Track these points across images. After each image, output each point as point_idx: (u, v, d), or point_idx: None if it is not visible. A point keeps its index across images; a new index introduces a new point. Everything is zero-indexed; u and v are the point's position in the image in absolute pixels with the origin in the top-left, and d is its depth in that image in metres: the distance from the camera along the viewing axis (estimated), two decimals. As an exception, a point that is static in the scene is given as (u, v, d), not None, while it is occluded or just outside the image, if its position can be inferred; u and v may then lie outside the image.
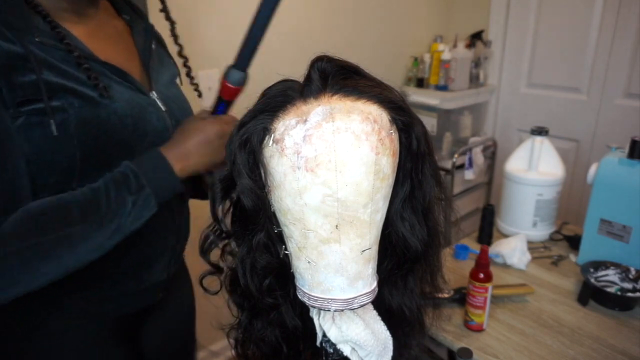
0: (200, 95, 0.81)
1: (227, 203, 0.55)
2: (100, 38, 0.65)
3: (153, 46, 0.74)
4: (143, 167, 0.61)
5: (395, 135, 0.48)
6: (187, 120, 0.70)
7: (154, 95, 0.70)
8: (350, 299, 0.49)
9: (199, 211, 0.59)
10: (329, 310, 0.51)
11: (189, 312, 0.96)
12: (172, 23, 0.75)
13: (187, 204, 0.83)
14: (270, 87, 0.50)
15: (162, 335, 0.87)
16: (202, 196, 0.85)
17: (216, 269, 0.60)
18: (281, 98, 0.47)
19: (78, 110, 0.57)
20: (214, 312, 0.65)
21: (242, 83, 0.68)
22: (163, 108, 0.70)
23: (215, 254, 0.59)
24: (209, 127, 0.66)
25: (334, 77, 0.47)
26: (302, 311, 0.60)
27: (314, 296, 0.50)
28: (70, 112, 0.56)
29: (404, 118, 0.48)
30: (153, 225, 0.71)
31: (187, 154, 0.64)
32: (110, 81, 0.62)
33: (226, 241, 0.58)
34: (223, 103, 0.71)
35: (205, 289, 0.61)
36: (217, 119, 0.68)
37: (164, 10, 0.74)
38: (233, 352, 0.67)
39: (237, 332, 0.64)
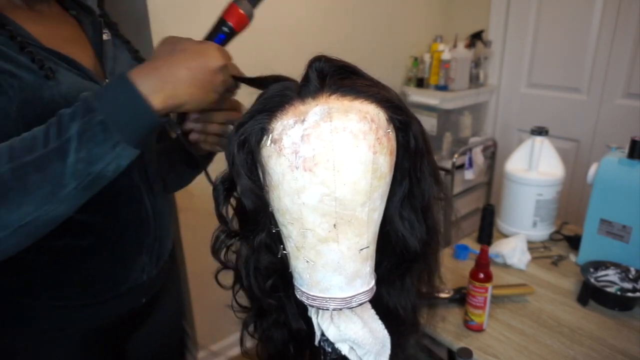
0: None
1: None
2: (53, 33, 0.63)
3: (105, 37, 0.70)
4: (101, 92, 0.49)
5: (392, 134, 0.48)
6: (171, 39, 0.56)
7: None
8: (349, 297, 0.49)
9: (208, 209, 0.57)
10: (328, 309, 0.51)
11: (177, 318, 0.92)
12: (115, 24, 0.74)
13: (164, 201, 0.79)
14: (267, 88, 0.50)
15: (149, 346, 0.84)
16: (194, 164, 0.79)
17: (229, 268, 0.60)
18: (279, 98, 0.47)
19: (18, 92, 0.53)
20: (214, 313, 0.65)
21: (251, 16, 0.60)
22: None
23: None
24: (212, 52, 0.53)
25: (332, 77, 0.47)
26: (306, 311, 0.60)
27: (312, 295, 0.50)
28: (10, 94, 0.53)
29: (401, 117, 0.49)
30: (121, 222, 0.69)
31: (173, 80, 0.51)
32: (57, 67, 0.58)
33: (233, 240, 0.58)
34: (225, 32, 0.59)
35: (221, 285, 0.61)
36: (219, 47, 0.56)
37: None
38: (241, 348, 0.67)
39: (243, 330, 0.65)
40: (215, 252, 0.57)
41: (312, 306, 0.51)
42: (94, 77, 0.63)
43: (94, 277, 0.68)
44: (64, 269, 0.66)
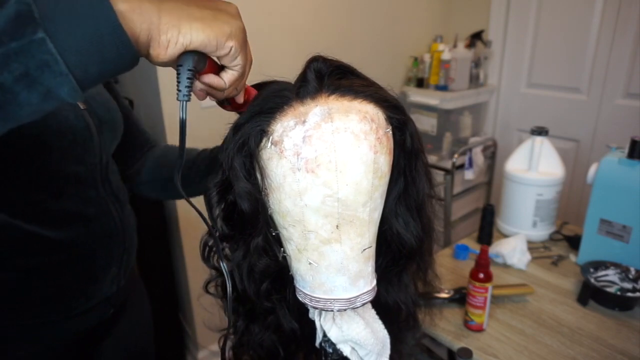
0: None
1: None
2: None
3: None
4: None
5: (390, 134, 0.48)
6: None
7: None
8: (353, 298, 0.50)
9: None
10: (332, 311, 0.51)
11: (146, 330, 0.91)
12: None
13: (131, 211, 0.78)
14: (263, 88, 0.50)
15: (119, 354, 0.82)
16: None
17: (220, 274, 0.59)
18: (277, 99, 0.46)
19: None
20: (214, 313, 0.65)
21: None
22: (81, 106, 0.65)
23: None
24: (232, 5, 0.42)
25: (329, 77, 0.47)
26: (299, 313, 0.60)
27: (316, 297, 0.50)
28: None
29: (399, 116, 0.49)
30: (92, 236, 0.67)
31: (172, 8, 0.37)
32: None
33: (224, 245, 0.58)
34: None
35: (211, 294, 0.61)
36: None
37: None
38: (229, 355, 0.67)
39: (233, 338, 0.64)
40: (206, 259, 0.56)
41: (316, 308, 0.51)
42: None
43: (66, 292, 0.67)
44: (36, 287, 0.64)
